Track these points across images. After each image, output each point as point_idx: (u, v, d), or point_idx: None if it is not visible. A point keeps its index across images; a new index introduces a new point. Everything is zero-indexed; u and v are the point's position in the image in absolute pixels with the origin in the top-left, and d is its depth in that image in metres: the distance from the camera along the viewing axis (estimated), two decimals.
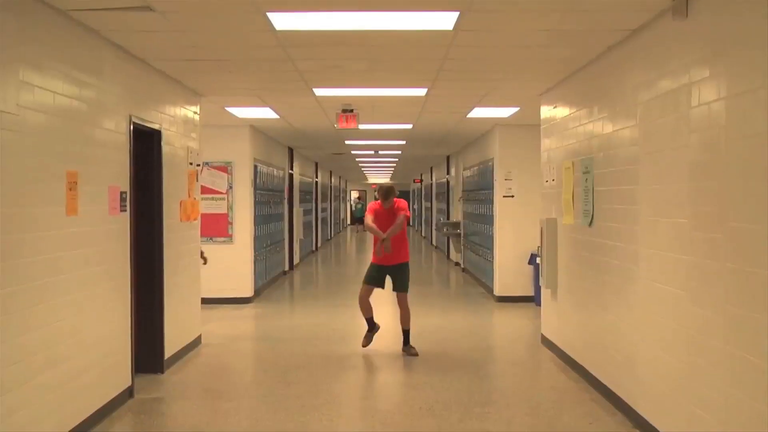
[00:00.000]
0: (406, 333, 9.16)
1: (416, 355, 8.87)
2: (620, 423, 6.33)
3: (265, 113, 11.73)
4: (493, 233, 13.93)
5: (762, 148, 4.17)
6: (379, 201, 9.27)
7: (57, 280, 5.58)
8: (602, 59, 7.20)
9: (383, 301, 10.71)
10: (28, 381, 5.15)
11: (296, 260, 20.29)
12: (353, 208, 49.79)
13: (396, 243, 9.04)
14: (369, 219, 9.19)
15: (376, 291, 9.24)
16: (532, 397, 7.40)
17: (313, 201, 25.77)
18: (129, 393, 7.09)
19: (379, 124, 13.65)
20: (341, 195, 44.87)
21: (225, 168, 13.26)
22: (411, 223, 46.85)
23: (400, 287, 9.16)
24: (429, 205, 31.86)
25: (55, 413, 5.56)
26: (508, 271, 13.52)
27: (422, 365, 8.32)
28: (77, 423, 5.92)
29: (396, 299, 9.20)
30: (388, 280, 9.27)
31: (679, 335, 5.30)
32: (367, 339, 9.23)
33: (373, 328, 9.23)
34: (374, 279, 9.17)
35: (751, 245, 4.29)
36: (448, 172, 23.07)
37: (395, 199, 9.22)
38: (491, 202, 14.14)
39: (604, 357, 7.13)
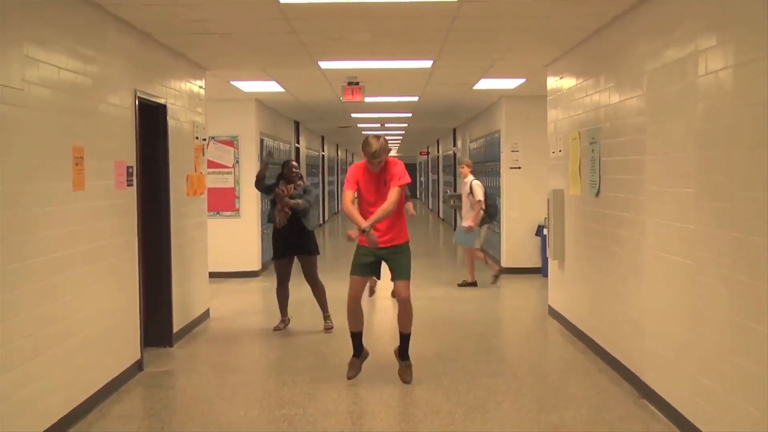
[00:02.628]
0: (404, 340, 6.79)
1: (409, 381, 6.63)
2: (627, 393, 6.35)
3: (271, 87, 11.71)
4: (500, 205, 13.92)
5: None
6: (363, 161, 6.79)
7: (65, 255, 5.60)
8: (608, 29, 7.15)
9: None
10: (38, 354, 5.19)
11: None
12: None
13: (391, 219, 6.66)
14: (348, 197, 6.68)
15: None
16: (539, 367, 7.43)
17: (320, 174, 25.76)
18: (138, 366, 7.14)
19: (385, 97, 13.61)
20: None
21: (231, 142, 13.26)
22: (417, 195, 46.66)
23: (399, 274, 6.67)
24: (435, 177, 31.83)
25: (65, 386, 5.61)
26: (515, 242, 13.53)
27: (430, 337, 8.35)
28: (87, 396, 5.97)
29: (393, 292, 7.04)
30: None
31: (686, 304, 5.30)
32: (354, 368, 6.78)
33: (360, 353, 6.85)
34: (365, 266, 6.73)
35: (758, 214, 4.28)
36: (454, 144, 23.02)
37: (389, 158, 6.71)
38: (498, 173, 14.12)
39: (611, 327, 7.15)
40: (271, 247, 9.22)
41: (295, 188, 8.87)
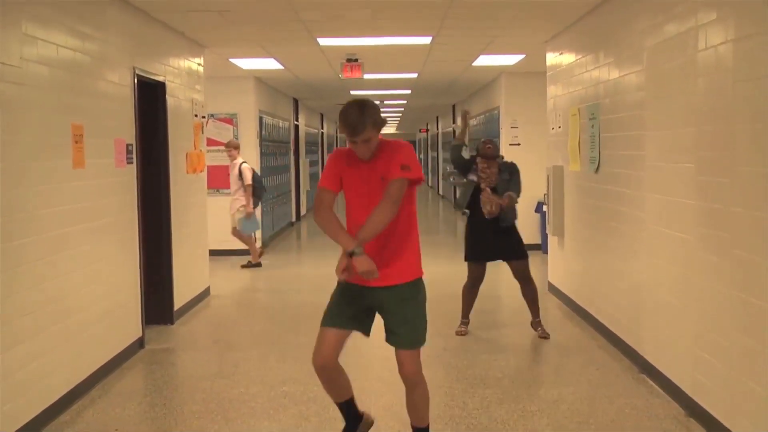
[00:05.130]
0: None
1: None
2: (627, 368, 6.38)
3: (270, 64, 11.67)
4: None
5: None
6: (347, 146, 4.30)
7: (66, 233, 5.61)
8: (609, 4, 7.12)
9: None
10: (40, 332, 5.21)
11: (303, 211, 20.33)
12: None
13: (392, 238, 4.17)
14: (326, 201, 4.21)
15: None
16: (538, 344, 7.45)
17: (319, 152, 25.74)
18: (140, 344, 7.17)
19: (384, 74, 13.57)
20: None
21: (230, 120, 13.23)
22: None
23: (403, 338, 4.24)
24: (435, 154, 31.81)
25: (67, 363, 5.64)
26: None
27: (430, 314, 8.36)
28: (90, 373, 6.01)
29: (396, 362, 4.31)
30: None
31: (686, 280, 5.31)
32: None
33: (356, 425, 4.56)
34: (345, 315, 4.27)
35: (759, 188, 4.28)
36: (453, 121, 22.98)
37: (389, 140, 4.25)
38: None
39: (611, 303, 7.17)
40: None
41: (499, 170, 7.17)
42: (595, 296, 7.72)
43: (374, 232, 4.03)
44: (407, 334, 4.24)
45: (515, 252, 7.29)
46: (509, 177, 7.14)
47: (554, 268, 9.56)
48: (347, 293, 4.29)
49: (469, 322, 7.64)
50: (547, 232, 9.79)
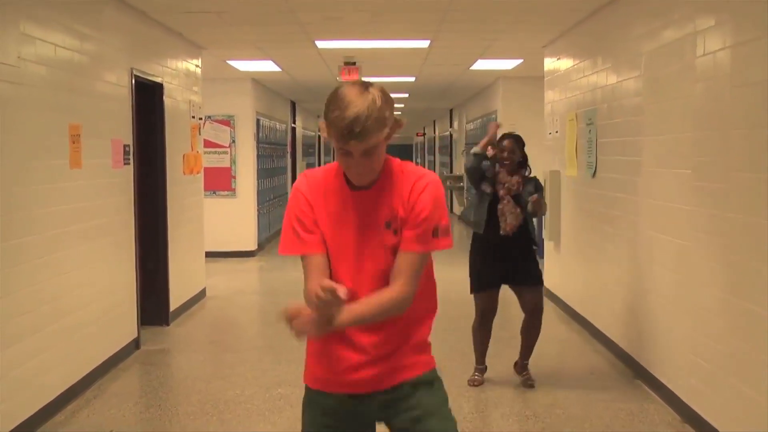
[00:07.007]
0: None
1: None
2: (622, 373, 6.39)
3: (267, 66, 11.67)
4: None
5: (766, 97, 4.15)
6: (334, 163, 2.63)
7: (62, 233, 5.60)
8: (606, 9, 7.14)
9: None
10: (37, 331, 5.21)
11: None
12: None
13: (396, 325, 2.67)
14: (314, 274, 2.46)
15: None
16: (534, 349, 7.46)
17: (316, 155, 25.73)
18: (135, 344, 7.16)
19: (382, 77, 13.57)
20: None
21: (227, 122, 13.23)
22: None
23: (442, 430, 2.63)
24: (432, 158, 31.82)
25: (64, 363, 5.63)
26: None
27: None
28: (85, 373, 6.00)
29: None
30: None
31: (682, 285, 5.32)
32: None
33: None
34: None
35: (754, 194, 4.29)
36: (451, 126, 22.99)
37: (410, 167, 2.58)
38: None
39: (607, 308, 7.17)
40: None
41: (523, 181, 5.85)
42: (591, 301, 7.72)
43: (359, 321, 2.51)
44: (441, 424, 2.66)
45: (531, 276, 5.95)
46: (534, 190, 5.80)
47: (550, 273, 9.55)
48: (336, 422, 2.67)
49: (485, 369, 6.18)
50: (543, 236, 9.80)
